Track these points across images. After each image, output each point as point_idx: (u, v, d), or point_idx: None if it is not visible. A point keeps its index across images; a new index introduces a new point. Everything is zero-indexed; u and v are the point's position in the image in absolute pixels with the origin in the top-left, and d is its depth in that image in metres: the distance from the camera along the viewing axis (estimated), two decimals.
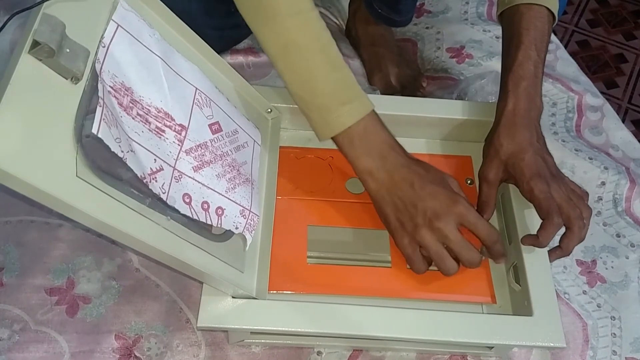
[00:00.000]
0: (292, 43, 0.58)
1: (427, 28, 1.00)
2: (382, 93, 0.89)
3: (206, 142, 0.54)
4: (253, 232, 0.58)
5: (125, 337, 0.65)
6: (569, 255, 0.61)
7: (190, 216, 0.50)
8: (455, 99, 0.88)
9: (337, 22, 1.01)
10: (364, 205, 0.68)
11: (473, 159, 0.73)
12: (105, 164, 0.46)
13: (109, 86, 0.44)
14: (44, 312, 0.66)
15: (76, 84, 0.41)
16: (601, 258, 0.75)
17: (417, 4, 1.04)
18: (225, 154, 0.57)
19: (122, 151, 0.45)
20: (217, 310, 0.56)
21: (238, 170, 0.58)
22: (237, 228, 0.56)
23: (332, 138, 0.60)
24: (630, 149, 0.86)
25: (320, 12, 1.01)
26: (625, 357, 0.68)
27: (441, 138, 0.74)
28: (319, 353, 0.66)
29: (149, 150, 0.47)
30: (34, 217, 0.73)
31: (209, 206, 0.53)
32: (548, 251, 0.62)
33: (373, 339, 0.64)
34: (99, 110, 0.43)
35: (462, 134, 0.73)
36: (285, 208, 0.67)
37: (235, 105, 0.62)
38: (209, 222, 0.53)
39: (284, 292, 0.62)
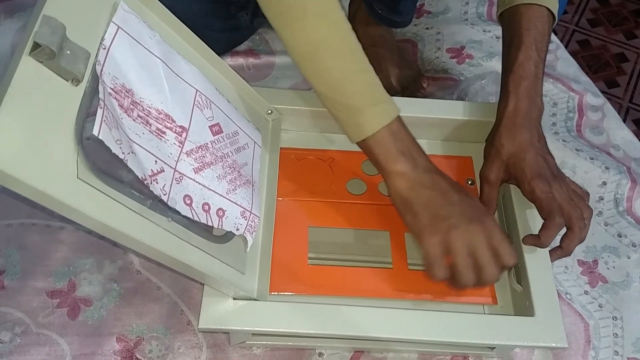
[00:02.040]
0: (322, 43, 0.56)
1: (427, 28, 1.00)
2: None
3: (207, 143, 0.54)
4: (254, 233, 0.58)
5: (126, 340, 0.65)
6: (569, 255, 0.61)
7: (191, 218, 0.50)
8: (456, 100, 0.88)
9: None
10: (365, 206, 0.68)
11: (474, 159, 0.73)
12: (106, 165, 0.46)
13: (110, 88, 0.44)
14: (45, 314, 0.66)
15: (77, 85, 0.42)
16: (602, 258, 0.75)
17: (417, 4, 1.04)
18: (225, 156, 0.57)
19: (123, 153, 0.45)
20: (219, 311, 0.56)
21: (239, 171, 0.58)
22: (237, 229, 0.56)
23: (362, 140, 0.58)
24: (631, 149, 0.86)
25: None
26: (627, 357, 0.68)
27: (442, 139, 0.74)
28: (320, 354, 0.66)
29: (149, 152, 0.47)
30: (35, 220, 0.73)
31: (209, 207, 0.53)
32: (549, 251, 0.62)
33: (374, 340, 0.64)
34: (99, 111, 0.43)
35: (463, 135, 0.73)
36: (286, 209, 0.67)
37: (235, 107, 0.62)
38: (209, 224, 0.53)
39: (285, 293, 0.62)
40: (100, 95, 0.44)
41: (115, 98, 0.45)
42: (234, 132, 0.60)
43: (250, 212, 0.58)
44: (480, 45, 0.96)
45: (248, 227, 0.57)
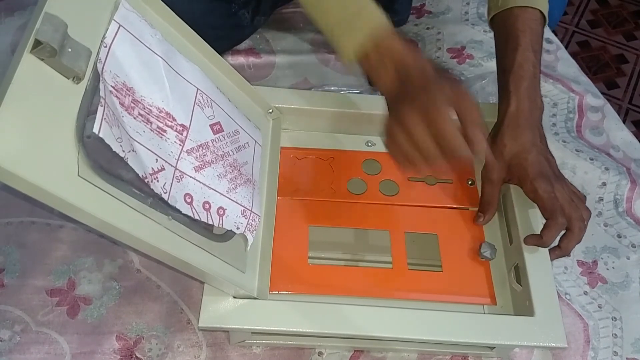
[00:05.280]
0: None
1: (427, 28, 1.00)
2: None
3: (207, 142, 0.54)
4: (254, 232, 0.58)
5: (126, 338, 0.65)
6: (568, 255, 0.62)
7: (192, 216, 0.50)
8: None
9: None
10: (365, 205, 0.68)
11: (474, 159, 0.72)
12: (107, 163, 0.46)
13: (111, 86, 0.44)
14: (45, 313, 0.66)
15: (78, 83, 0.41)
16: (602, 259, 0.75)
17: (418, 4, 1.04)
18: (226, 154, 0.57)
19: (124, 151, 0.45)
20: (219, 310, 0.56)
21: (239, 170, 0.58)
22: (238, 228, 0.56)
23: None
24: (631, 150, 0.86)
25: None
26: (627, 358, 0.68)
27: None
28: (320, 354, 0.66)
29: (150, 150, 0.47)
30: (35, 218, 0.73)
31: (210, 206, 0.53)
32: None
33: (374, 340, 0.64)
34: (100, 110, 0.43)
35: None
36: (286, 208, 0.67)
37: (236, 106, 0.62)
38: (210, 222, 0.53)
39: (285, 292, 0.62)
40: (101, 93, 0.44)
41: (116, 96, 0.45)
42: (235, 131, 0.60)
43: (251, 211, 0.58)
44: (481, 45, 0.96)
45: (248, 226, 0.57)
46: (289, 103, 0.70)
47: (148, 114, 0.47)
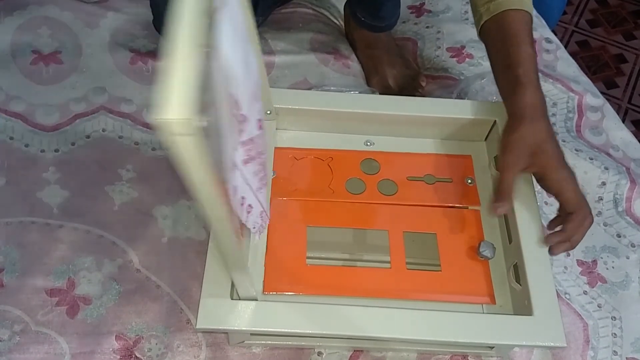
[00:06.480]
0: None
1: (427, 27, 1.00)
2: (381, 94, 0.89)
3: (254, 137, 0.51)
4: (261, 234, 0.57)
5: (125, 338, 0.65)
6: (574, 247, 0.61)
7: (234, 208, 0.49)
8: (456, 99, 0.88)
9: (338, 22, 1.01)
10: (364, 205, 0.68)
11: (473, 158, 0.73)
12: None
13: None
14: (45, 313, 0.66)
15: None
16: (602, 258, 0.75)
17: (418, 3, 1.04)
18: (261, 153, 0.55)
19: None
20: (216, 311, 0.55)
21: (265, 171, 0.57)
22: (254, 227, 0.55)
23: None
24: (630, 149, 0.86)
25: (321, 13, 1.01)
26: (626, 357, 0.68)
27: (441, 137, 0.74)
28: (319, 354, 0.66)
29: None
30: (34, 218, 0.73)
31: (244, 202, 0.51)
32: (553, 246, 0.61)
33: (374, 340, 0.64)
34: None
35: (463, 134, 0.73)
36: (284, 209, 0.67)
37: None
38: (242, 218, 0.52)
39: (284, 293, 0.62)
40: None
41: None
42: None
43: (265, 213, 0.57)
44: (481, 44, 0.95)
45: (260, 227, 0.56)
46: (287, 103, 0.70)
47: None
